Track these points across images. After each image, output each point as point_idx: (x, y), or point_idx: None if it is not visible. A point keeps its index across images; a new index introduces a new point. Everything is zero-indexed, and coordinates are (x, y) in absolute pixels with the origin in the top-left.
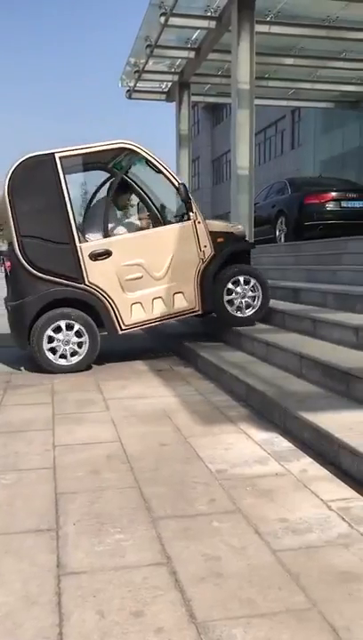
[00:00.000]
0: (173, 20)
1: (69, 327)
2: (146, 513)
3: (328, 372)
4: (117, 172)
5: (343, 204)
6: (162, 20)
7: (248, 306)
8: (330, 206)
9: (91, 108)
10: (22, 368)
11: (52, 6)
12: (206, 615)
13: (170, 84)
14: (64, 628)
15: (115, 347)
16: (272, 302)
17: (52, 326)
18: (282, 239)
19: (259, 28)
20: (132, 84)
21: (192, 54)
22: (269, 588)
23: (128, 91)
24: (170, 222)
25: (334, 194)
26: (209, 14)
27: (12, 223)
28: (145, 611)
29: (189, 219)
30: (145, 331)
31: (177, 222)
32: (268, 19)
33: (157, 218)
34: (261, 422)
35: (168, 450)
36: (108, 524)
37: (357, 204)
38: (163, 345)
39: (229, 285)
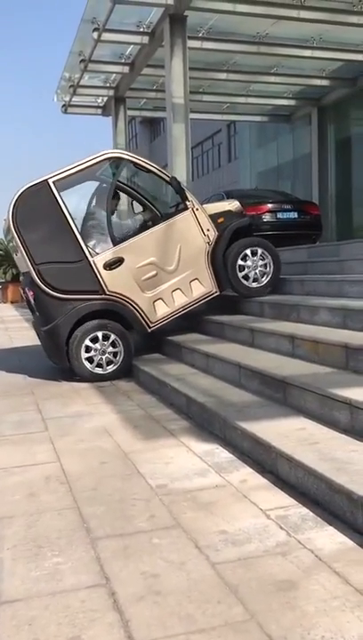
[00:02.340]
0: (106, 36)
1: (105, 337)
2: (85, 534)
3: (266, 380)
4: (109, 181)
5: (279, 215)
6: (95, 35)
7: (262, 275)
8: (266, 218)
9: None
10: None
11: None
12: (145, 635)
13: (105, 98)
14: None
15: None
16: (211, 313)
17: (90, 337)
18: None
19: (191, 43)
20: (67, 99)
21: (126, 69)
22: (208, 603)
23: (63, 105)
24: (170, 216)
25: (269, 205)
26: (142, 30)
27: (24, 254)
28: (82, 636)
29: (186, 208)
30: None
31: (176, 214)
32: (200, 35)
33: (157, 214)
34: (201, 434)
35: (108, 467)
36: (45, 547)
37: (292, 215)
38: None
39: (240, 261)
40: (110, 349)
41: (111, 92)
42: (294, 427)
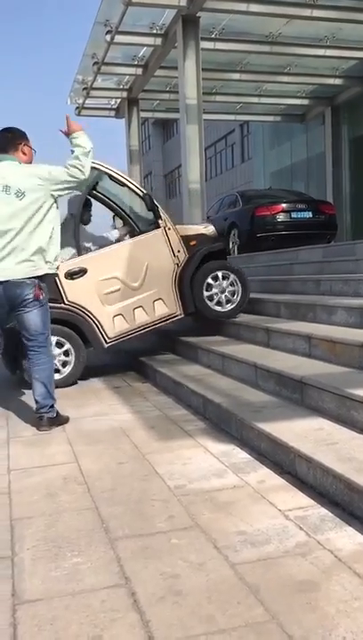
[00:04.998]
0: (119, 38)
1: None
2: (104, 534)
3: (283, 381)
4: (82, 190)
5: (293, 214)
6: (108, 37)
7: (228, 300)
8: (281, 217)
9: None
10: None
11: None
12: (166, 635)
13: (119, 100)
14: None
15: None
16: None
17: None
18: (235, 251)
19: (204, 44)
20: (80, 102)
21: (140, 71)
22: (228, 603)
23: (77, 108)
24: (141, 233)
25: (284, 205)
26: (155, 31)
27: None
28: (103, 635)
29: (158, 227)
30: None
31: (147, 231)
32: (213, 35)
33: (135, 229)
34: (218, 435)
35: (126, 468)
36: (65, 547)
37: (306, 215)
38: (119, 361)
39: (209, 281)
40: (57, 351)
41: (124, 94)
42: (312, 427)
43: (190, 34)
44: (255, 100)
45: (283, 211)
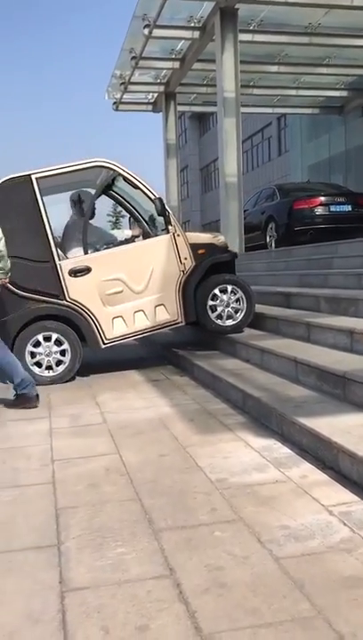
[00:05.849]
0: (157, 32)
1: (49, 339)
2: (147, 525)
3: (324, 376)
4: (94, 189)
5: (332, 208)
6: (146, 31)
7: (236, 311)
8: (319, 211)
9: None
10: None
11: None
12: (212, 627)
13: (156, 94)
14: None
15: (108, 358)
16: (265, 308)
17: (32, 341)
18: (273, 245)
19: (242, 36)
20: (118, 96)
21: (177, 64)
22: (273, 597)
23: (115, 103)
24: (151, 236)
25: (322, 198)
26: (192, 25)
27: None
28: (150, 625)
29: (168, 232)
30: (138, 340)
31: (156, 236)
32: (251, 27)
33: (148, 231)
34: (258, 429)
35: (167, 460)
36: (109, 537)
37: (345, 208)
38: (157, 354)
39: (212, 297)
40: (55, 349)
41: (162, 88)
42: (356, 423)
43: (228, 26)
44: (293, 92)
45: (321, 204)
